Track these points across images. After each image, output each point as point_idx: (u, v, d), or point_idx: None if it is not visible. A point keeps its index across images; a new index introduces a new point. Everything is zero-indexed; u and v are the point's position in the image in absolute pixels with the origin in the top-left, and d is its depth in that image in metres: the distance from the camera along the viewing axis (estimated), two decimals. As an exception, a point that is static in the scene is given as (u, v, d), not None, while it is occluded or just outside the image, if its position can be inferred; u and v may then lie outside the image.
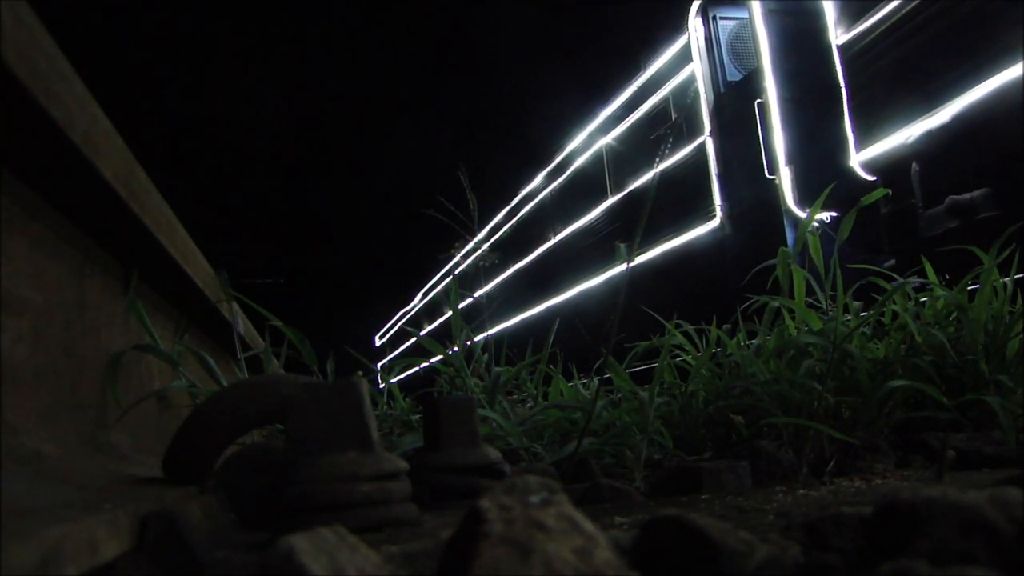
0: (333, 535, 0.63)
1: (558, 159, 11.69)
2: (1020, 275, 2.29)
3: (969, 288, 2.27)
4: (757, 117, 6.48)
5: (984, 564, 0.56)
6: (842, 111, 5.93)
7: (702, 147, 7.45)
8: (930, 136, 5.03)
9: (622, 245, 2.10)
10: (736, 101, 6.94)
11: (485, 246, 13.87)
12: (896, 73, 5.37)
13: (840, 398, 1.96)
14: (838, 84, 5.97)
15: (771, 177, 6.33)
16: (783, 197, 6.16)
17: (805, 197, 6.05)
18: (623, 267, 1.98)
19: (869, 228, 5.46)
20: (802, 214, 5.97)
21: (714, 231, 7.30)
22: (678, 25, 7.80)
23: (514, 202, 13.81)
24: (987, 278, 2.19)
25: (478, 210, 3.02)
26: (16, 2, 0.96)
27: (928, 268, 2.54)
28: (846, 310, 2.20)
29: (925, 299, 2.39)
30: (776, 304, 2.26)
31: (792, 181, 6.15)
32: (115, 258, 1.67)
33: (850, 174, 5.75)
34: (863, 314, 2.19)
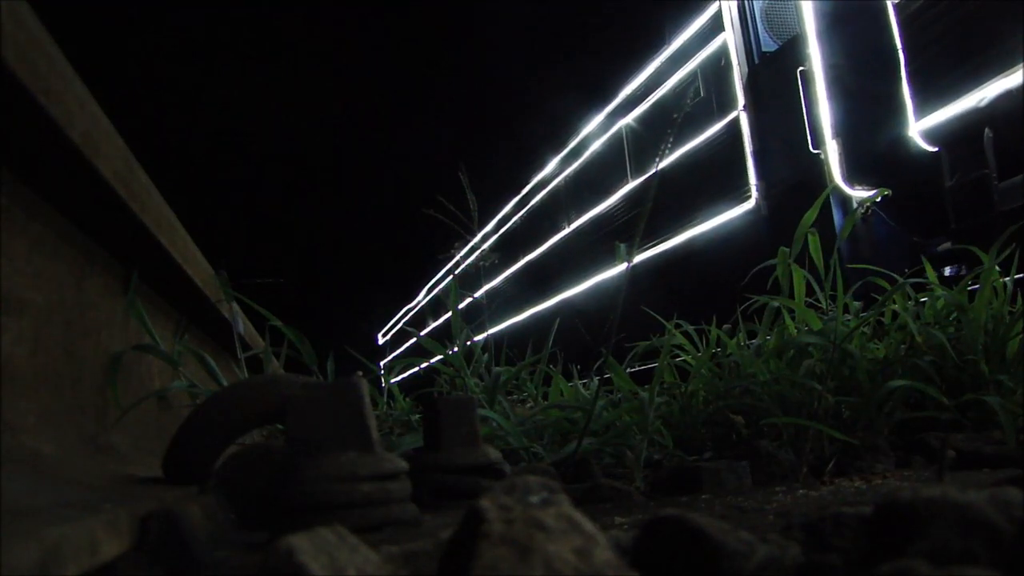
0: (333, 535, 0.63)
1: (573, 143, 11.00)
2: (1020, 275, 2.29)
3: (969, 288, 2.27)
4: (800, 87, 5.93)
5: (984, 564, 0.56)
6: (899, 76, 5.19)
7: (735, 123, 6.96)
8: (1008, 97, 4.39)
9: (622, 245, 2.09)
10: (773, 72, 6.46)
11: (487, 244, 13.72)
12: (964, 30, 4.70)
13: (840, 398, 1.96)
14: (894, 46, 5.23)
15: (815, 152, 5.79)
16: (829, 173, 5.62)
17: (855, 172, 5.52)
18: (624, 266, 1.97)
19: (930, 204, 4.99)
20: (852, 191, 5.51)
21: (749, 213, 6.72)
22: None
23: (525, 191, 13.08)
24: (987, 278, 2.19)
25: (482, 206, 3.01)
26: (16, 2, 0.96)
27: (929, 269, 2.54)
28: (846, 310, 2.20)
29: (925, 299, 2.39)
30: (776, 304, 2.26)
31: (840, 155, 5.60)
32: (115, 258, 1.67)
33: (908, 145, 5.08)
34: (863, 314, 2.19)
